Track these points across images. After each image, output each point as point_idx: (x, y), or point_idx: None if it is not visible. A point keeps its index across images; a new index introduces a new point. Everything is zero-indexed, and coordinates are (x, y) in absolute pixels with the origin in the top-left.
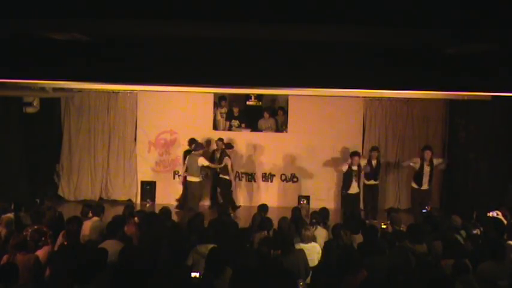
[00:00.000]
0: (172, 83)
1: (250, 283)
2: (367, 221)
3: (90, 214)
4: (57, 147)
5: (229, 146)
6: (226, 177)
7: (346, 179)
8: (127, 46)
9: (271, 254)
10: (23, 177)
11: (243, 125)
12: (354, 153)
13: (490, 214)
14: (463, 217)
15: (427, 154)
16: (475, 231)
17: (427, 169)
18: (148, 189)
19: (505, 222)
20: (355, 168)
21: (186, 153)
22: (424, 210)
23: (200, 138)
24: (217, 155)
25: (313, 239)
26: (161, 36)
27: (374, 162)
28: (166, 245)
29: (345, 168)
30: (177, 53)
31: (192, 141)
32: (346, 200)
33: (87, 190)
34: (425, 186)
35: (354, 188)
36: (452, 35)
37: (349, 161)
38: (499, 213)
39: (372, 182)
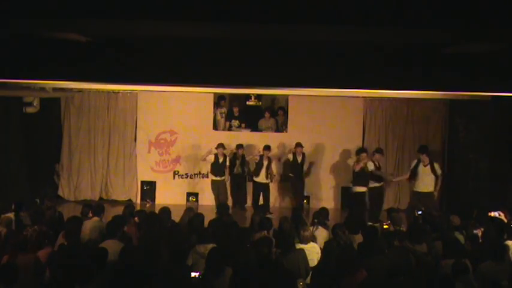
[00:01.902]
0: (172, 83)
1: (250, 283)
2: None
3: (90, 214)
4: (57, 147)
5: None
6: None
7: (358, 176)
8: (127, 46)
9: (272, 254)
10: (23, 177)
11: (243, 125)
12: (362, 150)
13: (492, 214)
14: (463, 217)
15: (424, 158)
16: (475, 231)
17: (424, 170)
18: (148, 189)
19: (507, 222)
20: (371, 166)
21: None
22: (419, 212)
23: (200, 138)
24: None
25: (313, 239)
26: (161, 36)
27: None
28: (166, 245)
29: (358, 167)
30: (177, 53)
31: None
32: (354, 199)
33: (87, 190)
34: (424, 189)
35: (362, 187)
36: (452, 35)
37: (361, 158)
38: (502, 213)
39: (376, 184)
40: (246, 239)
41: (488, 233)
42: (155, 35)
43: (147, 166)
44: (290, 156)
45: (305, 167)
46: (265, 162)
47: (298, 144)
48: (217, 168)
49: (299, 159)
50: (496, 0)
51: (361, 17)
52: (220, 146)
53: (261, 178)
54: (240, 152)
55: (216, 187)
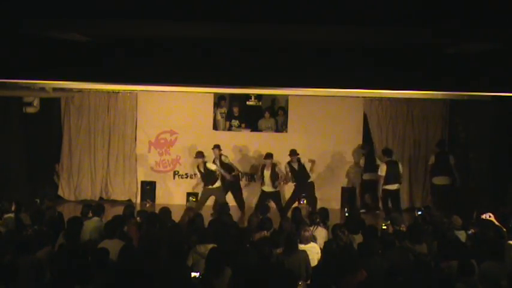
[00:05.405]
0: (172, 83)
1: (250, 283)
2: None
3: (90, 214)
4: (57, 147)
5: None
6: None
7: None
8: (127, 46)
9: (273, 254)
10: (23, 177)
11: (243, 125)
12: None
13: (484, 216)
14: (463, 217)
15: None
16: (470, 232)
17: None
18: (148, 189)
19: (497, 224)
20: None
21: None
22: (419, 212)
23: (200, 138)
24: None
25: (312, 239)
26: (161, 36)
27: None
28: (166, 245)
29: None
30: (177, 53)
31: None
32: (386, 196)
33: (87, 190)
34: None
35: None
36: (452, 35)
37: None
38: (491, 215)
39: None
40: (246, 239)
41: (487, 233)
42: (155, 35)
43: (147, 166)
44: (285, 167)
45: (306, 171)
46: (268, 171)
47: (292, 153)
48: (209, 176)
49: (295, 166)
50: (496, 0)
51: (362, 17)
52: (199, 154)
53: (267, 187)
54: (217, 152)
55: (209, 194)
